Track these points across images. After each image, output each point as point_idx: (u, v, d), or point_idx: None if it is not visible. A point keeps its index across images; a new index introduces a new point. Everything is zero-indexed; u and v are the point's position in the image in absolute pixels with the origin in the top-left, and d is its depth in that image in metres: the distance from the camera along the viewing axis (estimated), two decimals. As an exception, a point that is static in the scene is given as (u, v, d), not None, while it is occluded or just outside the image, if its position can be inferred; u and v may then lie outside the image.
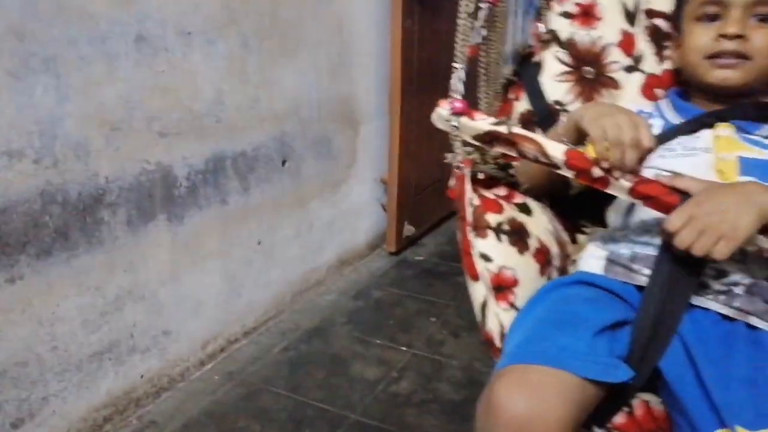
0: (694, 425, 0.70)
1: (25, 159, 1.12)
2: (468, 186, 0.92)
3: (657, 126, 0.95)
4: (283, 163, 1.80)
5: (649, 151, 0.78)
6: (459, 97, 0.88)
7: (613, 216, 0.96)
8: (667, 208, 0.76)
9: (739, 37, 0.87)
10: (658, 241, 0.83)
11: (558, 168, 0.80)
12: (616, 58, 1.09)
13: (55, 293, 1.20)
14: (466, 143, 0.92)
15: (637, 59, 1.10)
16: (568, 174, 0.80)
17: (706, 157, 0.87)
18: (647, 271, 0.82)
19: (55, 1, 1.14)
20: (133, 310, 1.37)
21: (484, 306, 0.86)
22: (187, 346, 1.54)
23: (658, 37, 1.09)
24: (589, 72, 1.09)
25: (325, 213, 2.04)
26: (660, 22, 1.09)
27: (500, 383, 0.69)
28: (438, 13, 2.34)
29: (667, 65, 1.08)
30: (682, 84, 1.02)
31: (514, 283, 0.87)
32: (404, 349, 1.72)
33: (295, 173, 1.86)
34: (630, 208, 0.91)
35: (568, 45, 1.10)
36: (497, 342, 0.84)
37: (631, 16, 1.10)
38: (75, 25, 1.18)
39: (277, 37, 1.72)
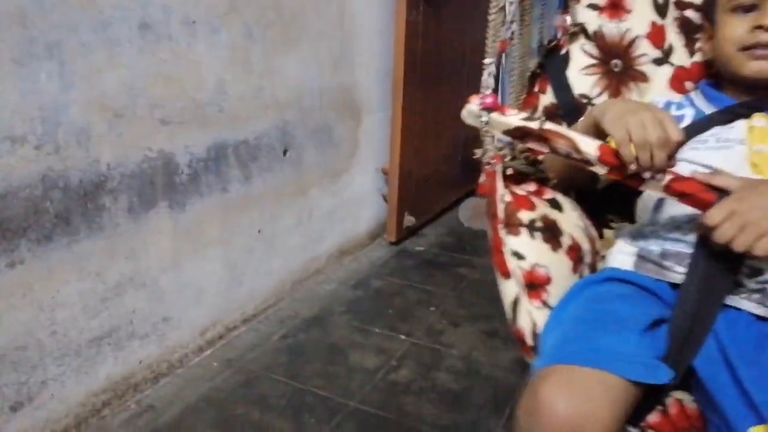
0: (729, 423, 0.70)
1: (27, 145, 1.13)
2: (499, 182, 0.90)
3: (688, 116, 0.95)
4: (285, 152, 1.81)
5: (680, 145, 0.76)
6: (489, 92, 0.88)
7: (641, 211, 0.95)
8: (703, 206, 0.75)
9: None
10: (689, 237, 0.83)
11: (590, 164, 0.80)
12: (645, 50, 1.08)
13: (56, 278, 1.21)
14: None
15: (667, 52, 1.08)
16: (601, 171, 0.80)
17: (740, 149, 0.86)
18: (679, 269, 0.82)
19: (58, -13, 1.14)
20: (133, 296, 1.38)
21: (515, 304, 0.84)
22: (187, 332, 1.55)
23: (688, 29, 1.08)
24: (617, 65, 1.08)
25: (325, 202, 2.05)
26: (691, 14, 1.08)
27: (545, 384, 0.68)
28: (443, 6, 2.33)
29: (697, 58, 1.07)
30: (713, 76, 1.01)
31: (548, 281, 0.86)
32: (403, 338, 1.73)
33: (297, 162, 1.86)
34: (659, 204, 0.90)
35: (596, 37, 1.09)
36: (529, 340, 0.83)
37: (661, 8, 1.09)
38: (78, 12, 1.18)
39: (280, 26, 1.71)
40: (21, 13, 1.09)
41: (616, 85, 1.08)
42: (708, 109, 0.94)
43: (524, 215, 0.88)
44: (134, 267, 1.38)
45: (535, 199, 0.93)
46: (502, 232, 0.87)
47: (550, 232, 0.90)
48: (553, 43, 1.11)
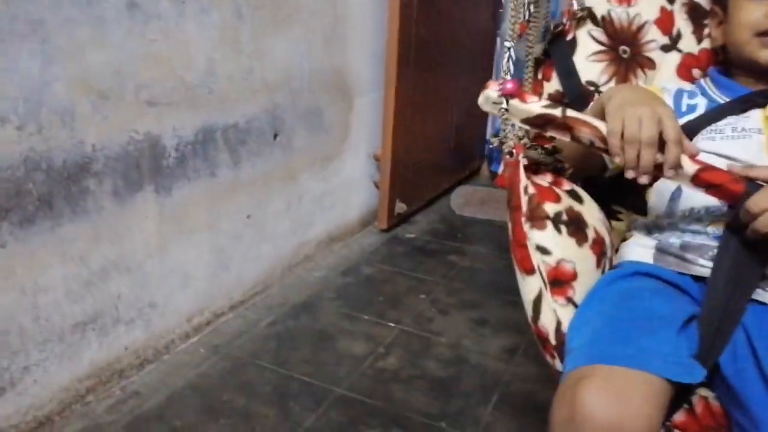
0: (754, 419, 0.68)
1: (9, 125, 1.10)
2: (522, 173, 0.86)
3: (701, 105, 0.93)
4: (275, 136, 1.78)
5: (678, 144, 0.73)
6: (509, 77, 0.83)
7: (656, 201, 0.92)
8: (732, 197, 0.73)
9: None
10: (710, 229, 0.81)
11: (613, 155, 0.76)
12: (654, 36, 1.05)
13: (38, 262, 1.19)
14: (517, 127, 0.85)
15: (675, 38, 1.06)
16: (624, 161, 0.75)
17: (758, 138, 0.84)
18: (702, 261, 0.80)
19: (40, -38, 1.11)
20: (118, 281, 1.36)
21: (537, 301, 0.82)
22: (173, 318, 1.53)
23: (696, 15, 1.05)
24: (626, 51, 1.06)
25: (316, 188, 2.02)
26: None
27: (585, 387, 0.65)
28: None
29: (705, 44, 1.05)
30: (721, 63, 0.99)
31: (574, 276, 0.83)
32: (392, 325, 1.72)
33: (287, 147, 1.84)
34: (676, 194, 0.88)
35: (604, 22, 1.06)
36: (552, 339, 0.81)
37: None
38: (62, -13, 1.15)
39: (271, 6, 1.68)
40: (2, -11, 1.05)
41: (624, 72, 1.06)
42: (719, 98, 0.92)
43: (550, 207, 0.84)
44: (119, 251, 1.35)
45: (558, 191, 0.89)
46: (525, 226, 0.83)
47: (576, 225, 0.86)
48: (559, 29, 1.08)
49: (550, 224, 0.83)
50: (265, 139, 1.74)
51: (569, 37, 1.07)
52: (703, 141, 0.88)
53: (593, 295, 0.82)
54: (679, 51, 1.06)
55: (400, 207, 2.40)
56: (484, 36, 2.93)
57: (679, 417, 0.74)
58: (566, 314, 0.81)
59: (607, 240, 0.92)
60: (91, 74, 1.23)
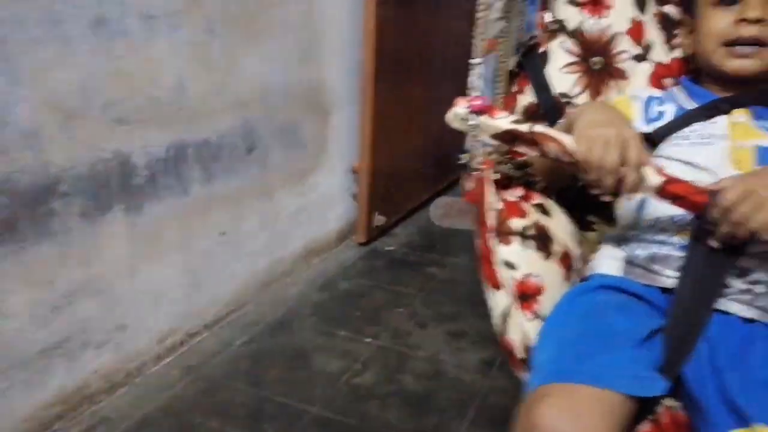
0: (711, 425, 0.70)
1: (-31, 147, 1.07)
2: (489, 189, 0.87)
3: (669, 112, 0.93)
4: (249, 151, 1.76)
5: (638, 168, 0.75)
6: (478, 94, 0.86)
7: (623, 211, 0.93)
8: (696, 208, 0.75)
9: (759, 21, 0.84)
10: (675, 239, 0.82)
11: (581, 170, 0.78)
12: (625, 47, 1.06)
13: (1, 287, 1.16)
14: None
15: (647, 48, 1.07)
16: (592, 176, 0.77)
17: (722, 145, 0.85)
18: (668, 272, 0.81)
19: (2, -20, 1.08)
20: (86, 304, 1.33)
21: (505, 315, 0.83)
22: (145, 340, 1.50)
23: (667, 25, 1.06)
24: (597, 62, 1.06)
25: (292, 203, 2.00)
26: (670, 9, 1.06)
27: (543, 406, 0.66)
28: (414, 1, 2.30)
29: (677, 54, 1.06)
30: (692, 72, 1.00)
31: (540, 290, 0.84)
32: (369, 340, 1.70)
33: (261, 162, 1.82)
34: (642, 204, 0.88)
35: (577, 35, 1.06)
36: (519, 353, 0.81)
37: (641, 3, 1.07)
38: (26, 6, 1.13)
39: (244, 20, 1.66)
40: (-39, 9, 1.03)
41: (596, 83, 1.06)
42: (689, 105, 0.93)
43: (516, 223, 0.86)
44: (88, 273, 1.32)
45: (525, 206, 0.90)
46: (492, 242, 0.85)
47: (542, 240, 0.88)
48: (533, 42, 1.08)
49: (516, 239, 0.85)
50: (239, 155, 1.73)
51: (542, 49, 1.07)
52: (669, 147, 0.89)
53: (559, 310, 0.83)
54: (651, 61, 1.06)
55: (379, 219, 2.39)
56: (462, 47, 2.92)
57: (645, 428, 0.74)
58: (533, 328, 0.82)
59: (576, 253, 0.93)
60: (56, 93, 1.20)
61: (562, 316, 0.81)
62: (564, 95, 1.05)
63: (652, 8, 1.07)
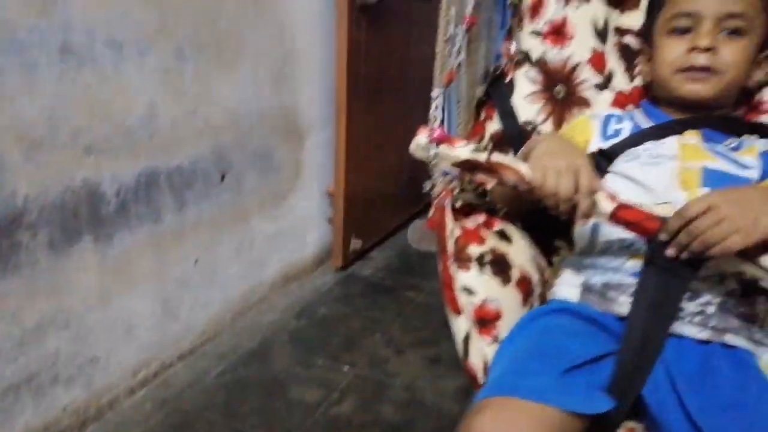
0: None
1: (-70, 180, 1.04)
2: (448, 217, 0.90)
3: (626, 130, 0.96)
4: (222, 177, 1.74)
5: (589, 195, 0.78)
6: (438, 124, 0.89)
7: (579, 236, 0.96)
8: (647, 233, 0.77)
9: (709, 50, 0.88)
10: (629, 265, 0.84)
11: (537, 197, 0.81)
12: (587, 76, 1.09)
13: (-35, 324, 1.12)
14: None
15: (608, 77, 1.10)
16: (548, 202, 0.81)
17: (671, 165, 0.89)
18: (623, 299, 0.83)
19: (-36, 9, 1.06)
20: (56, 337, 1.29)
21: (466, 340, 0.85)
22: (117, 373, 1.46)
23: (627, 54, 1.09)
24: (560, 91, 1.09)
25: (267, 228, 1.98)
26: (630, 39, 1.09)
27: (476, 418, 0.69)
28: (387, 23, 2.31)
29: (637, 82, 1.08)
30: (652, 98, 1.03)
31: (498, 316, 0.86)
32: (347, 368, 1.68)
33: (235, 188, 1.80)
34: (595, 227, 0.91)
35: (540, 64, 1.09)
36: (480, 377, 0.83)
37: (601, 34, 1.10)
38: (-11, 34, 1.11)
39: (215, 46, 1.65)
40: None
41: (560, 111, 1.09)
42: (645, 124, 0.97)
43: (474, 250, 0.89)
44: (56, 306, 1.29)
45: (484, 232, 0.93)
46: (452, 268, 0.87)
47: (500, 266, 0.90)
48: (499, 71, 1.12)
49: (474, 265, 0.87)
50: (212, 181, 1.70)
51: (508, 79, 1.10)
52: (622, 164, 0.92)
53: (514, 332, 0.85)
54: (613, 89, 1.10)
55: (356, 243, 2.37)
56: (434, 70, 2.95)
57: None
58: (492, 352, 0.84)
59: (535, 278, 0.95)
60: (22, 122, 1.18)
61: (515, 336, 0.84)
62: (529, 123, 1.08)
63: (612, 39, 1.10)
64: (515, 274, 0.91)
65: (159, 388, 1.56)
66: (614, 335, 0.81)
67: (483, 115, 1.10)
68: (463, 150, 0.84)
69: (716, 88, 0.90)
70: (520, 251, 0.96)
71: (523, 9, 1.10)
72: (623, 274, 0.85)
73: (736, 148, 0.91)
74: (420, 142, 0.85)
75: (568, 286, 0.91)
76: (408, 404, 1.54)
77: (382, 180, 2.54)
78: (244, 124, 1.80)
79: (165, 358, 1.61)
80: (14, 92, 1.16)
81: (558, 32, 1.08)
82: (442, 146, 0.84)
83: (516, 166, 0.82)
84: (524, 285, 0.92)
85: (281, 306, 2.01)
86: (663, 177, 0.87)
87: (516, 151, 0.99)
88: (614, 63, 1.10)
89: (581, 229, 0.94)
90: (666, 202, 0.83)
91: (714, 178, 0.86)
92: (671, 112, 0.96)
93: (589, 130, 0.98)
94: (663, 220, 0.76)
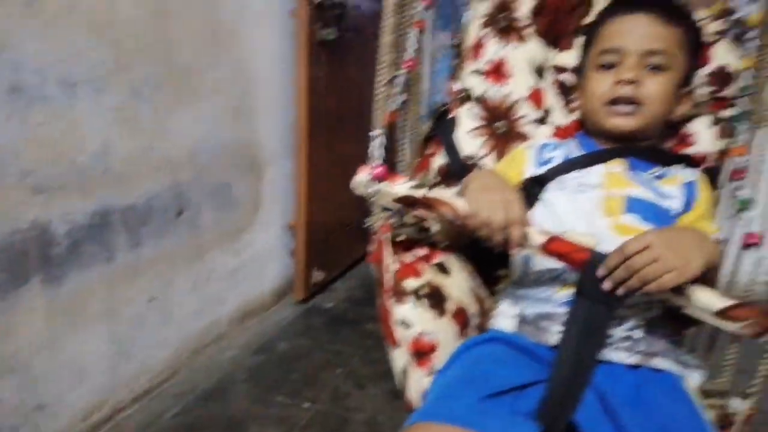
0: None
1: None
2: (387, 252, 0.93)
3: (558, 158, 1.01)
4: (179, 213, 1.72)
5: (520, 226, 0.82)
6: (379, 162, 0.91)
7: (513, 265, 1.00)
8: (577, 264, 0.80)
9: (632, 82, 0.93)
10: (560, 295, 0.88)
11: (473, 230, 0.84)
12: (526, 112, 1.14)
13: None
14: (385, 208, 0.94)
15: (546, 112, 1.15)
16: (484, 235, 0.83)
17: (596, 193, 0.94)
18: (555, 328, 0.85)
19: None
20: (0, 385, 1.25)
21: (405, 373, 0.87)
22: (66, 419, 1.41)
23: (564, 91, 1.15)
24: (501, 126, 1.14)
25: (226, 263, 1.96)
26: (566, 77, 1.14)
27: None
28: (345, 59, 2.34)
29: (574, 116, 1.13)
30: (585, 130, 1.08)
31: (434, 348, 0.87)
32: (307, 405, 1.66)
33: (192, 223, 1.78)
34: (527, 258, 0.95)
35: (482, 101, 1.14)
36: (418, 408, 0.83)
37: (539, 72, 1.15)
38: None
39: (173, 82, 1.65)
40: None
41: (501, 146, 1.14)
42: (577, 153, 1.02)
43: (410, 283, 0.90)
44: (2, 351, 1.24)
45: (421, 266, 0.95)
46: (389, 302, 0.89)
47: (436, 299, 0.92)
48: (444, 108, 1.17)
49: (410, 299, 0.89)
50: (169, 218, 1.68)
51: (452, 115, 1.15)
52: (551, 192, 0.96)
53: (449, 361, 0.87)
54: (551, 124, 1.15)
55: (318, 275, 2.36)
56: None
57: None
58: (429, 384, 0.86)
59: (472, 310, 0.98)
60: (-33, 164, 1.15)
61: (450, 365, 0.86)
62: (472, 157, 1.13)
63: (549, 76, 1.15)
64: (451, 306, 0.93)
65: (112, 431, 1.51)
66: (546, 364, 0.83)
67: (429, 150, 1.15)
68: (402, 187, 0.88)
69: (640, 121, 0.95)
70: (458, 283, 0.98)
71: (465, 50, 1.16)
72: (554, 305, 0.88)
73: (659, 177, 0.96)
74: (361, 179, 0.89)
75: (504, 318, 0.93)
76: (368, 441, 1.52)
77: (344, 211, 2.53)
78: (202, 160, 1.79)
79: (118, 401, 1.56)
80: (-41, 133, 1.13)
81: (498, 71, 1.13)
82: (382, 183, 0.88)
83: (452, 201, 0.85)
84: (460, 317, 0.94)
85: (240, 342, 1.99)
86: (588, 204, 0.92)
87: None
88: (552, 99, 1.15)
89: (515, 259, 0.98)
90: (591, 232, 0.87)
91: (637, 206, 0.91)
92: (602, 142, 1.01)
93: (523, 159, 1.03)
94: (591, 251, 0.79)
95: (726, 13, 1.05)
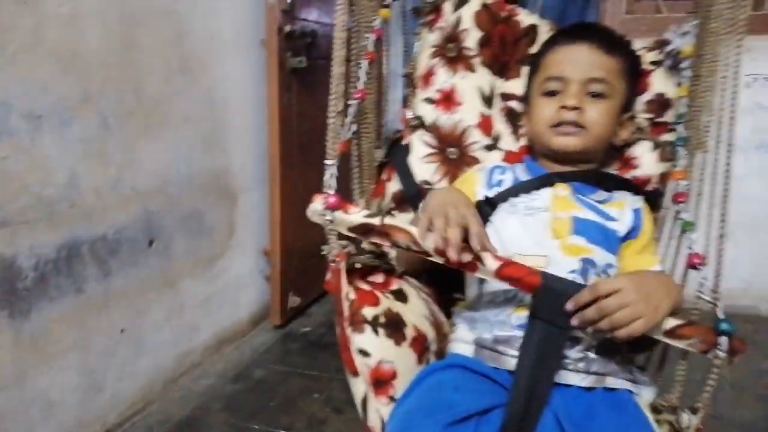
0: None
1: None
2: (343, 280, 0.93)
3: (507, 181, 1.04)
4: (150, 243, 1.72)
5: (480, 236, 0.83)
6: (332, 191, 0.91)
7: (469, 287, 1.02)
8: (530, 288, 0.82)
9: (576, 108, 0.97)
10: (515, 318, 0.90)
11: (429, 255, 0.85)
12: (477, 138, 1.17)
13: None
14: (341, 236, 0.94)
15: (496, 138, 1.18)
16: (439, 260, 0.85)
17: (544, 215, 0.97)
18: (512, 352, 0.86)
19: None
20: (-35, 421, 1.24)
21: (364, 402, 0.87)
22: (35, 455, 1.40)
23: (512, 118, 1.18)
24: (453, 152, 1.17)
25: (199, 291, 1.96)
26: (514, 104, 1.17)
27: None
28: (316, 86, 2.36)
29: (523, 142, 1.16)
30: (532, 155, 1.11)
31: (393, 376, 0.88)
32: (284, 433, 1.65)
33: (164, 253, 1.77)
34: (481, 281, 0.96)
35: (433, 128, 1.17)
36: None
37: (487, 100, 1.18)
38: None
39: (142, 113, 1.66)
40: None
41: (453, 171, 1.16)
42: (525, 177, 1.04)
43: (368, 311, 0.90)
44: (-34, 388, 1.24)
45: (379, 294, 0.95)
46: (347, 331, 0.89)
47: (394, 327, 0.92)
48: (398, 135, 1.20)
49: (368, 327, 0.89)
50: (139, 248, 1.68)
51: (405, 142, 1.18)
52: (500, 214, 0.99)
53: (409, 389, 0.87)
54: (501, 149, 1.17)
55: (294, 300, 2.36)
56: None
57: None
58: (389, 412, 0.86)
59: (430, 336, 0.99)
60: (-71, 200, 1.15)
61: (409, 393, 0.86)
62: (426, 182, 1.15)
63: (498, 104, 1.19)
64: (410, 333, 0.93)
65: (82, 466, 1.50)
66: (505, 388, 0.85)
67: (384, 176, 1.17)
68: (356, 216, 0.88)
69: (583, 142, 0.99)
70: (415, 309, 0.99)
71: (416, 78, 1.19)
72: (510, 327, 0.89)
73: (604, 201, 1.00)
74: (316, 208, 0.90)
75: (462, 343, 0.94)
76: (343, 467, 1.52)
77: (318, 236, 2.53)
78: (173, 189, 1.80)
79: (89, 435, 1.55)
80: None
81: (448, 99, 1.17)
82: (337, 212, 0.88)
83: (408, 228, 0.86)
84: (418, 344, 0.94)
85: (216, 371, 1.98)
86: (536, 226, 0.95)
87: (415, 209, 1.07)
88: (501, 126, 1.18)
89: (470, 280, 1.00)
90: (542, 254, 0.90)
91: (583, 227, 0.94)
92: (548, 165, 1.04)
93: (475, 181, 1.06)
94: (543, 274, 0.81)
95: (661, 44, 1.09)
